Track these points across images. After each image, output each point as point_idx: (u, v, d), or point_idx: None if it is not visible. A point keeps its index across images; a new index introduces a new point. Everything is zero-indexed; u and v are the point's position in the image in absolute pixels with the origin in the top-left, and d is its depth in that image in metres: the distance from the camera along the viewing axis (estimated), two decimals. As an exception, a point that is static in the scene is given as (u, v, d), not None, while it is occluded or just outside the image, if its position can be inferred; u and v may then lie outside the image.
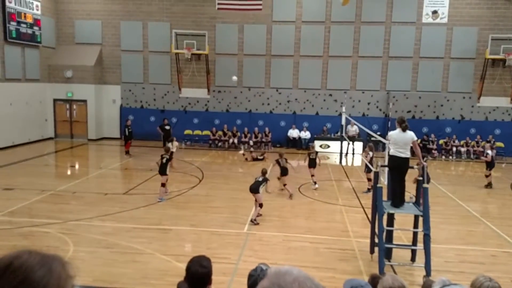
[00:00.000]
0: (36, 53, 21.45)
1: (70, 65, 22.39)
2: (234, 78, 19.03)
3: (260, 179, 10.56)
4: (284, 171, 12.73)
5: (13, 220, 9.72)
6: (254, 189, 10.30)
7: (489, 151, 14.73)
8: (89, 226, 9.53)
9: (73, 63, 22.42)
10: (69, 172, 16.31)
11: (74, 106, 22.86)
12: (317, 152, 14.21)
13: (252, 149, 20.69)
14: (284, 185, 12.76)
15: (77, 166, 17.48)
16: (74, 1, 22.82)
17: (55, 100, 22.75)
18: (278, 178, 13.12)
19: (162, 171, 11.87)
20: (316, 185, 13.82)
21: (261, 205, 10.25)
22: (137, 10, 22.63)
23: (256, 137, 21.71)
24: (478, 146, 20.55)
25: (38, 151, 19.07)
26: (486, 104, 21.41)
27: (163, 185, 11.93)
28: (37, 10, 20.98)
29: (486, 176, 14.67)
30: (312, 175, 13.93)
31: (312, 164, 13.87)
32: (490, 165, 14.48)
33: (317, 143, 21.33)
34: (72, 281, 1.27)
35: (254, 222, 9.99)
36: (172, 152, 13.81)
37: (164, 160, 11.93)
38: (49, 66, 22.45)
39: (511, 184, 15.20)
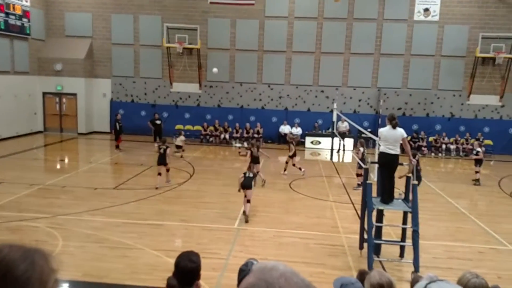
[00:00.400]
0: (25, 45, 21.16)
1: (60, 58, 22.13)
2: (215, 70, 18.91)
3: (251, 174, 10.53)
4: (255, 160, 12.91)
5: (1, 214, 9.62)
6: (248, 185, 10.18)
7: (479, 148, 14.93)
8: (79, 220, 9.47)
9: (63, 56, 22.17)
10: (58, 166, 16.17)
11: (64, 100, 22.63)
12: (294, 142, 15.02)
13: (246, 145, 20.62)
14: (257, 172, 12.49)
15: (66, 160, 17.32)
16: (65, -7, 22.54)
17: (44, 93, 22.49)
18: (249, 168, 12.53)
19: (162, 161, 12.63)
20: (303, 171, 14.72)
21: (249, 201, 10.17)
22: (128, 3, 22.41)
23: (247, 132, 21.69)
24: (467, 144, 20.77)
25: (27, 145, 18.87)
26: (475, 102, 21.62)
27: (159, 174, 12.61)
28: (26, 1, 20.66)
29: (476, 173, 14.89)
30: (294, 164, 14.69)
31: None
32: (479, 161, 14.66)
33: (308, 139, 21.44)
34: (55, 274, 1.24)
35: (246, 217, 9.91)
36: (179, 146, 17.12)
37: (162, 151, 12.69)
38: (39, 59, 22.17)
39: (499, 181, 15.38)
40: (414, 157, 10.86)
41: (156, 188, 12.26)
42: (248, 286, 1.09)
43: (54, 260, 1.26)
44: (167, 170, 13.03)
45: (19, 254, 1.18)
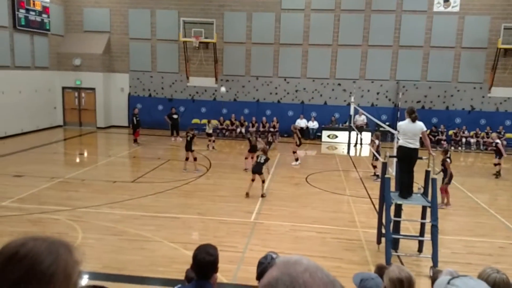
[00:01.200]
0: (45, 41, 21.50)
1: (78, 53, 22.43)
2: (223, 89, 19.61)
3: (262, 160, 11.23)
4: (253, 148, 14.09)
5: (23, 207, 9.84)
6: (258, 170, 11.18)
7: (498, 140, 14.74)
8: (98, 213, 9.62)
9: (82, 51, 22.46)
10: (77, 160, 16.44)
11: (83, 94, 22.96)
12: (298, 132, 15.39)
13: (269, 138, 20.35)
14: (252, 157, 13.70)
15: (85, 154, 17.60)
16: (83, -12, 22.79)
17: (63, 88, 22.86)
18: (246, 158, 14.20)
19: (188, 147, 13.56)
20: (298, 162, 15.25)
21: (263, 181, 11.32)
22: (145, -3, 22.54)
23: (263, 126, 21.65)
24: (488, 138, 20.34)
25: (47, 139, 19.22)
26: (497, 95, 21.12)
27: (187, 159, 13.69)
28: (46, -3, 20.97)
29: (495, 165, 14.65)
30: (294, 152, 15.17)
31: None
32: (498, 153, 14.45)
33: (324, 133, 21.29)
34: (79, 267, 1.26)
35: (264, 195, 11.15)
36: (209, 134, 17.81)
37: (188, 138, 13.55)
38: (58, 54, 22.52)
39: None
40: (446, 154, 10.77)
41: (184, 170, 13.65)
42: (271, 280, 1.07)
43: (78, 252, 1.27)
44: (194, 159, 13.70)
45: (44, 247, 1.19)
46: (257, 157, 11.51)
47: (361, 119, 20.34)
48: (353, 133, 19.34)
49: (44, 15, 20.87)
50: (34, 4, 20.00)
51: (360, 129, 19.92)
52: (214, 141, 18.04)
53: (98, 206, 10.10)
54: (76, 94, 22.96)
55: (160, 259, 7.37)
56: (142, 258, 7.38)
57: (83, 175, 13.00)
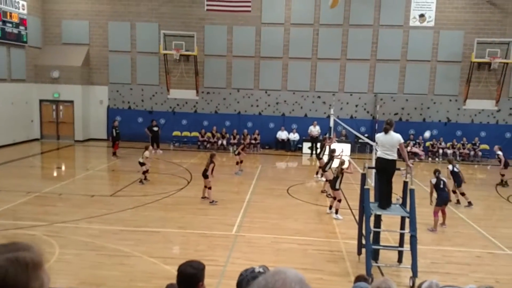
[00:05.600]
0: (22, 53, 21.17)
1: (56, 66, 22.14)
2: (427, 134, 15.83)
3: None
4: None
5: (-2, 222, 9.56)
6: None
7: (499, 152, 15.29)
8: (76, 228, 9.42)
9: (60, 63, 22.18)
10: (55, 174, 16.11)
11: (61, 107, 22.61)
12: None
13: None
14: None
15: (63, 168, 17.27)
16: (61, 0, 22.59)
17: (41, 101, 22.48)
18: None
19: (203, 174, 12.16)
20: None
21: (210, 188, 11.81)
22: (125, 10, 22.48)
23: (244, 138, 21.65)
24: (464, 148, 20.84)
25: (24, 152, 18.81)
26: (471, 107, 21.72)
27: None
28: (23, 9, 20.71)
29: (503, 176, 15.34)
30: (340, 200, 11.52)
31: (333, 184, 11.64)
32: (504, 164, 15.09)
33: (305, 145, 21.46)
34: (36, 284, 1.19)
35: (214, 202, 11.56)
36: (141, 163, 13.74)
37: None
38: (35, 66, 22.18)
39: (496, 186, 15.39)
40: (435, 174, 10.65)
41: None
42: (253, 284, 1.21)
43: (36, 269, 1.20)
44: (206, 187, 12.03)
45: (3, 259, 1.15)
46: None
47: (316, 129, 20.77)
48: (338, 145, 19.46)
49: (22, 27, 20.58)
50: (11, 16, 19.71)
51: (315, 139, 20.28)
52: (146, 171, 13.98)
53: (76, 221, 9.89)
54: (54, 106, 22.60)
55: (140, 274, 7.25)
56: (121, 274, 7.24)
57: (60, 189, 12.74)
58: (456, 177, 12.20)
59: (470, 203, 12.44)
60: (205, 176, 11.94)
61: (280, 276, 1.20)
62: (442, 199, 10.36)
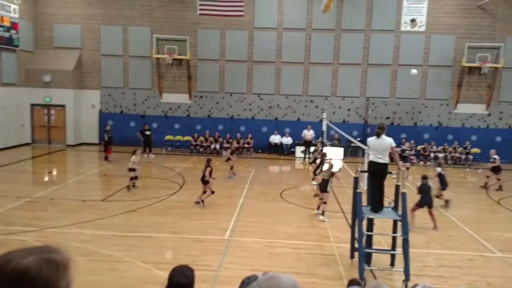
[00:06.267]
0: (13, 57, 21.01)
1: (48, 70, 22.00)
2: (414, 71, 15.55)
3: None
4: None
5: (-13, 228, 9.45)
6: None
7: (496, 156, 15.40)
8: (67, 233, 9.34)
9: (52, 68, 22.04)
10: (46, 179, 15.97)
11: (52, 111, 22.45)
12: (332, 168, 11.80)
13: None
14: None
15: (54, 172, 17.14)
16: (53, 5, 22.48)
17: (32, 105, 22.30)
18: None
19: (202, 179, 12.07)
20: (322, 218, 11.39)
21: (213, 192, 11.91)
22: (118, 14, 22.43)
23: (238, 142, 21.67)
24: (455, 152, 21.01)
25: (15, 157, 18.63)
26: (462, 111, 21.92)
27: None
28: (15, 13, 20.58)
29: (498, 180, 15.42)
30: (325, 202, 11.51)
31: (324, 187, 11.46)
32: (497, 169, 15.16)
33: (298, 149, 21.50)
34: (65, 283, 1.35)
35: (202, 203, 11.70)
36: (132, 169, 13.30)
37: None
38: (27, 71, 22.02)
39: (487, 189, 15.49)
40: (424, 179, 10.81)
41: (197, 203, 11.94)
42: None
43: (66, 269, 1.37)
44: (204, 192, 11.93)
45: (26, 264, 1.27)
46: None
47: (310, 133, 20.84)
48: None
49: (13, 31, 20.44)
50: (2, 20, 19.57)
51: (308, 143, 20.37)
52: (135, 178, 13.56)
53: (67, 226, 9.81)
54: (46, 111, 22.44)
55: (132, 280, 7.20)
56: (113, 279, 7.18)
57: (51, 194, 12.63)
58: (442, 180, 12.50)
59: (447, 202, 12.80)
60: (203, 181, 11.85)
61: (275, 282, 1.21)
62: (423, 201, 10.64)
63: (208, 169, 11.82)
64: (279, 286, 1.20)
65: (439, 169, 12.59)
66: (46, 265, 1.29)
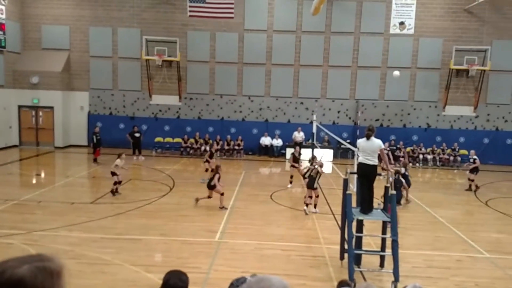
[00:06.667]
0: (0, 58, 20.75)
1: (36, 71, 21.76)
2: (396, 73, 15.31)
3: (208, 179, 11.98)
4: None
5: (-27, 231, 9.30)
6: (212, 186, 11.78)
7: (475, 156, 15.60)
8: (55, 236, 9.23)
9: (40, 69, 21.81)
10: (34, 181, 15.78)
11: (40, 113, 22.21)
12: (316, 169, 11.88)
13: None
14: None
15: (42, 175, 16.94)
16: (41, 5, 22.27)
17: (20, 107, 22.04)
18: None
19: (208, 185, 12.07)
20: (316, 210, 11.92)
21: (222, 194, 11.78)
22: (107, 16, 22.29)
23: (228, 144, 21.66)
24: (443, 154, 21.22)
25: (2, 159, 18.37)
26: (451, 113, 22.16)
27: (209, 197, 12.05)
28: (1, 14, 20.33)
29: (472, 181, 15.52)
30: (317, 196, 11.99)
31: (311, 184, 11.84)
32: (475, 170, 15.34)
33: (289, 151, 21.52)
34: (63, 274, 1.35)
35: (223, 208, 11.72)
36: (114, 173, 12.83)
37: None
38: (14, 72, 21.75)
39: (475, 190, 15.66)
40: (405, 167, 11.05)
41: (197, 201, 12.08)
42: None
43: (59, 276, 1.35)
44: (209, 197, 11.87)
45: (21, 274, 1.26)
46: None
47: (300, 135, 20.96)
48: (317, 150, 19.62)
49: (0, 32, 20.18)
50: (-11, 20, 19.33)
51: (299, 145, 20.44)
52: (118, 182, 13.05)
53: (55, 229, 9.69)
54: (34, 112, 22.19)
55: (121, 283, 7.13)
56: (102, 282, 7.11)
57: (39, 197, 12.47)
58: (406, 179, 13.14)
59: (408, 201, 13.26)
60: (210, 187, 11.80)
61: (265, 284, 1.20)
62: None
63: (217, 176, 11.79)
64: None
65: (403, 170, 13.20)
66: (41, 273, 1.29)
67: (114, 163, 13.03)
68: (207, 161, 15.98)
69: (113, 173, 12.94)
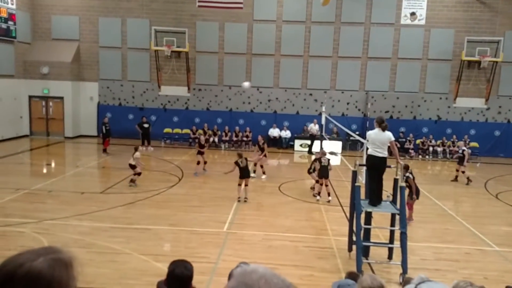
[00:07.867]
0: (11, 48, 20.89)
1: (46, 61, 21.89)
2: (246, 84, 16.67)
3: (245, 163, 11.89)
4: (244, 173, 11.87)
5: (-14, 219, 9.45)
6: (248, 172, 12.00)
7: (464, 147, 15.47)
8: (66, 225, 9.34)
9: (50, 59, 21.93)
10: (45, 171, 15.96)
11: (51, 103, 22.38)
12: (329, 159, 12.45)
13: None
14: (246, 185, 11.91)
15: (53, 165, 17.12)
16: (51, -5, 22.33)
17: (30, 97, 22.22)
18: (239, 184, 11.92)
19: (244, 174, 12.07)
20: (329, 198, 12.26)
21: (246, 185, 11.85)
22: (116, 6, 22.28)
23: (236, 136, 21.67)
24: (454, 146, 21.02)
25: (13, 149, 18.59)
26: (461, 105, 21.91)
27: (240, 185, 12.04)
28: (12, 4, 20.43)
29: (463, 172, 15.25)
30: (327, 185, 12.32)
31: (324, 173, 12.16)
32: (461, 160, 15.11)
33: (297, 142, 21.50)
34: (74, 282, 1.36)
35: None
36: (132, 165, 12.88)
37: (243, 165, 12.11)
38: (25, 62, 21.90)
39: (485, 183, 15.57)
40: (407, 170, 10.79)
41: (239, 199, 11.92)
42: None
43: (74, 267, 1.38)
44: (245, 185, 11.91)
45: (40, 267, 1.27)
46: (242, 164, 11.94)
47: (316, 128, 20.91)
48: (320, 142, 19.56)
49: (10, 22, 20.30)
50: (-1, 10, 19.45)
51: (313, 137, 20.41)
52: (138, 174, 13.03)
53: (66, 218, 9.81)
54: (44, 103, 22.36)
55: (130, 271, 7.21)
56: (112, 271, 7.20)
57: (50, 186, 12.62)
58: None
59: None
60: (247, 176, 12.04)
61: (257, 275, 1.15)
62: (418, 193, 10.77)
63: (244, 161, 11.89)
64: (267, 280, 1.16)
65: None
66: (57, 265, 1.31)
67: (133, 156, 12.87)
68: (199, 152, 15.21)
69: (133, 166, 12.85)
